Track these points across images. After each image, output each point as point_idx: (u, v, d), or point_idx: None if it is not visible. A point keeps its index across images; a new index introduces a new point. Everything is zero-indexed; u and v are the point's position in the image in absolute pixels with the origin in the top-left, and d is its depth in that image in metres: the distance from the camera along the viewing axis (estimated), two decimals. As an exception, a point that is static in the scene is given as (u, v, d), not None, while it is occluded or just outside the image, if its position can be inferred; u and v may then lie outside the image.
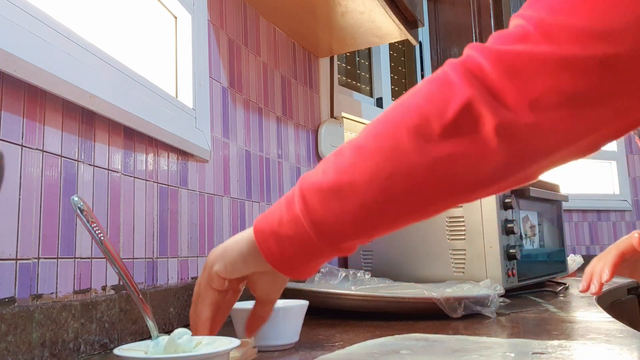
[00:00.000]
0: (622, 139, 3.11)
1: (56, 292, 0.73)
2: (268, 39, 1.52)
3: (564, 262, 1.82)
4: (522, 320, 1.02)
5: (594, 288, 0.98)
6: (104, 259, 0.82)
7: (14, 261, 0.66)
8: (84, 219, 0.62)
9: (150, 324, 0.63)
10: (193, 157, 1.12)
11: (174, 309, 0.98)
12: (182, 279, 1.05)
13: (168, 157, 1.04)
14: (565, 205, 1.95)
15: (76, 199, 0.62)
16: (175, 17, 1.19)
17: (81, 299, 0.75)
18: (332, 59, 1.85)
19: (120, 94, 0.87)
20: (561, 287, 1.59)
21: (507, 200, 1.43)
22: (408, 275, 1.54)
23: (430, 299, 1.03)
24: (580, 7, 0.46)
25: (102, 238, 0.62)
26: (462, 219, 1.47)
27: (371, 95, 2.22)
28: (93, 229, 0.62)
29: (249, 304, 0.88)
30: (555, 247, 1.77)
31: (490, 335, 0.85)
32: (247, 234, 0.63)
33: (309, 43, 1.69)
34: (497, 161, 0.51)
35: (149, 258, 0.95)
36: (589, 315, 1.06)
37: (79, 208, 0.62)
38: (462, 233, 1.46)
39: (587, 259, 2.89)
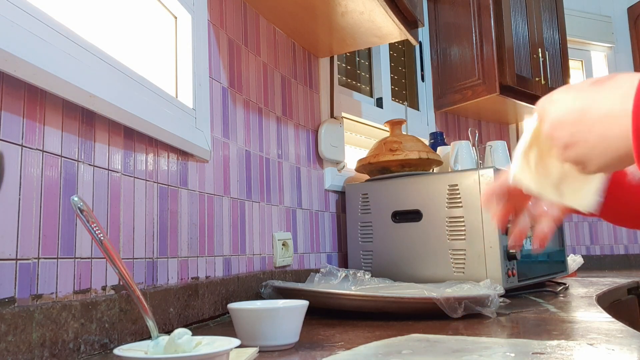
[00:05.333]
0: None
1: (56, 292, 0.73)
2: (268, 39, 1.52)
3: (564, 262, 1.82)
4: (522, 320, 1.02)
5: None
6: (104, 259, 0.82)
7: (14, 261, 0.66)
8: (84, 219, 0.62)
9: (150, 324, 0.64)
10: (193, 157, 1.12)
11: (174, 309, 0.98)
12: (182, 279, 1.05)
13: (168, 157, 1.04)
14: (565, 205, 1.95)
15: (76, 199, 0.62)
16: (175, 17, 1.19)
17: (81, 299, 0.75)
18: (332, 59, 1.85)
19: (120, 94, 0.87)
20: (561, 287, 1.59)
21: (507, 200, 1.43)
22: (408, 275, 1.54)
23: (430, 299, 1.03)
24: None
25: (102, 238, 0.62)
26: (462, 219, 1.47)
27: (371, 95, 2.22)
28: (93, 229, 0.62)
29: (249, 304, 0.88)
30: (555, 247, 1.77)
31: (490, 335, 0.85)
32: (620, 108, 0.46)
33: (309, 43, 1.69)
34: None
35: (149, 258, 0.95)
36: (589, 315, 1.06)
37: (79, 208, 0.62)
38: (462, 233, 1.46)
39: (587, 259, 2.89)
